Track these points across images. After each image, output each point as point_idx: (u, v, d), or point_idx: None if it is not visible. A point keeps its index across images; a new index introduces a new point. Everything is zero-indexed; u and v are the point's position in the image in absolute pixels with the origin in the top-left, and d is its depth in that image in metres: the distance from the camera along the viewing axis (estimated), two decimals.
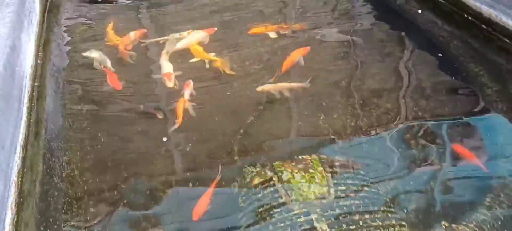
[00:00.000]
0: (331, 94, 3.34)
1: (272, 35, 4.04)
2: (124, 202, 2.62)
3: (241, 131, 3.06)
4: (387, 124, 3.04)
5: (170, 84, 3.42)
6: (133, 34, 4.04)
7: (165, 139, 3.03)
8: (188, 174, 2.78)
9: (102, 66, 3.71)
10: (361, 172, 2.72)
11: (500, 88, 3.07)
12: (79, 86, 3.61)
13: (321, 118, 3.16)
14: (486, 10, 3.08)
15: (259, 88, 3.36)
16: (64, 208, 2.61)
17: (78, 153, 2.96)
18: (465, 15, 3.39)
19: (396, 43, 3.89)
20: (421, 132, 2.97)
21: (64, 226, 2.51)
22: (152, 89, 3.54)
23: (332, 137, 2.98)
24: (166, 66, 3.59)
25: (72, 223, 2.54)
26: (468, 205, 2.46)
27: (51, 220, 2.51)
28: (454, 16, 3.60)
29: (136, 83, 3.61)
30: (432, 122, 3.02)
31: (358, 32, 4.10)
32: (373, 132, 3.01)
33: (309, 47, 3.72)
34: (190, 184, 2.70)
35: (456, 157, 2.78)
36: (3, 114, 2.40)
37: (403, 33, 3.96)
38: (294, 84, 3.40)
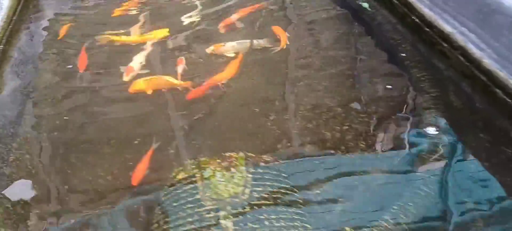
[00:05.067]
0: (286, 94, 3.38)
1: None
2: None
3: (186, 127, 3.15)
4: (332, 128, 3.03)
5: (125, 78, 3.54)
6: None
7: None
8: (131, 163, 2.86)
9: None
10: (284, 174, 2.77)
11: (438, 94, 3.05)
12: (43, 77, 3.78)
13: (271, 118, 3.20)
14: (427, 12, 3.02)
15: None
16: None
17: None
18: (413, 17, 3.33)
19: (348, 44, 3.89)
20: (359, 138, 2.95)
21: None
22: None
23: (276, 138, 2.99)
24: (136, 60, 3.72)
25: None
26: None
27: None
28: (406, 19, 3.55)
29: None
30: (370, 126, 3.02)
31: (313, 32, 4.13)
32: (313, 137, 3.00)
33: None
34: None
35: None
36: None
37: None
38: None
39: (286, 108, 3.27)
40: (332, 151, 2.89)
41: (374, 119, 3.07)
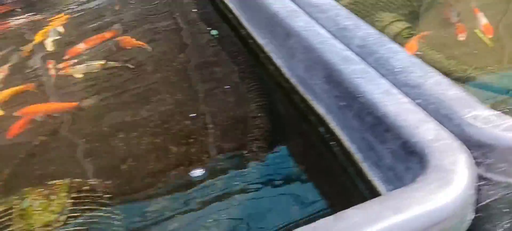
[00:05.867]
0: (137, 110, 3.38)
1: None
2: None
3: (21, 155, 3.11)
4: (178, 143, 3.06)
5: None
6: None
7: None
8: None
9: None
10: (107, 196, 2.79)
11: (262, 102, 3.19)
12: None
13: (119, 136, 3.21)
14: (247, 25, 3.16)
15: None
16: None
17: None
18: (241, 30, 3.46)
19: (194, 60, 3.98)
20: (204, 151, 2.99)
21: None
22: None
23: (119, 159, 2.98)
24: None
25: None
26: None
27: None
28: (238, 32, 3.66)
29: None
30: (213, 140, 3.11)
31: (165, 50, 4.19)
32: (157, 153, 3.03)
33: None
34: None
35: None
36: None
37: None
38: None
39: (135, 127, 3.29)
40: (173, 167, 2.97)
41: (216, 131, 3.17)
